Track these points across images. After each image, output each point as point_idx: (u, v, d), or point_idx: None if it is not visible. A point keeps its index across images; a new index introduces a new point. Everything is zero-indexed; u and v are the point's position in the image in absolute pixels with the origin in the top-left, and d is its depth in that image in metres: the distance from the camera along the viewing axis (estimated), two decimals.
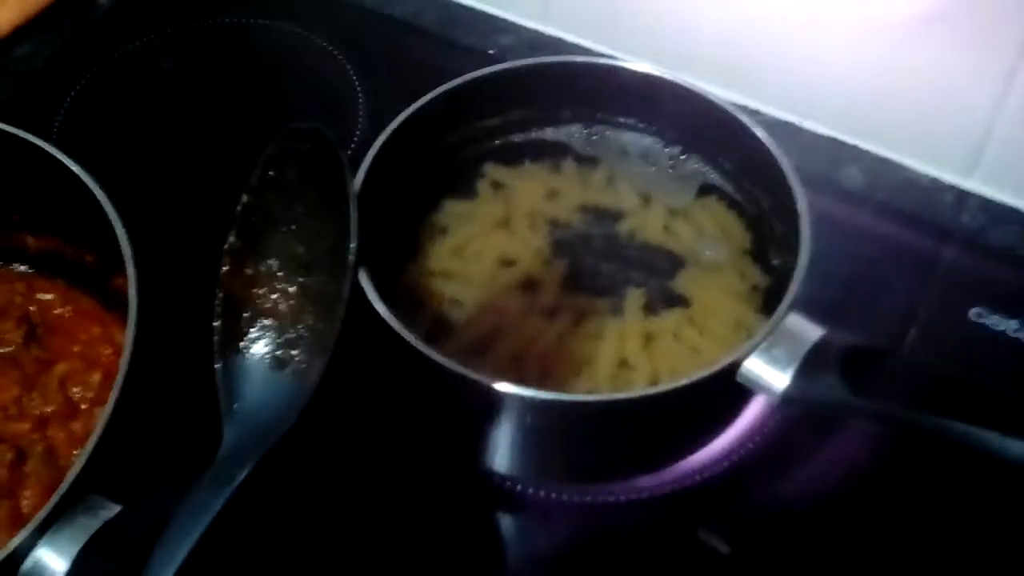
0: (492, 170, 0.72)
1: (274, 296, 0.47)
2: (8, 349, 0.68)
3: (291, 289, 0.47)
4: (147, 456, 0.51)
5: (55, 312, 0.70)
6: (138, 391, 0.51)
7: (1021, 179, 0.76)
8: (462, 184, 0.72)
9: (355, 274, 0.51)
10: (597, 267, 0.69)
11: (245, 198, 0.49)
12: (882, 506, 0.64)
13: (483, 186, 0.72)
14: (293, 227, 0.49)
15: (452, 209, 0.71)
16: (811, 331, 0.58)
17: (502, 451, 0.62)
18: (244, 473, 0.45)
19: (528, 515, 0.66)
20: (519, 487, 0.65)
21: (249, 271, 0.47)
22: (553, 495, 0.64)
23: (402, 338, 0.57)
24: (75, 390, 0.66)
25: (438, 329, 0.66)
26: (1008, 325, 0.71)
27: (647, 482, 0.64)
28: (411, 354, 0.57)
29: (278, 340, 0.47)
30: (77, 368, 0.67)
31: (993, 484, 0.62)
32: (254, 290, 0.48)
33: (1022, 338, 0.70)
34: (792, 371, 0.56)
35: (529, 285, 0.68)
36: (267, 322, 0.47)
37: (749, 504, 0.66)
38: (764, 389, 0.57)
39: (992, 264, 0.75)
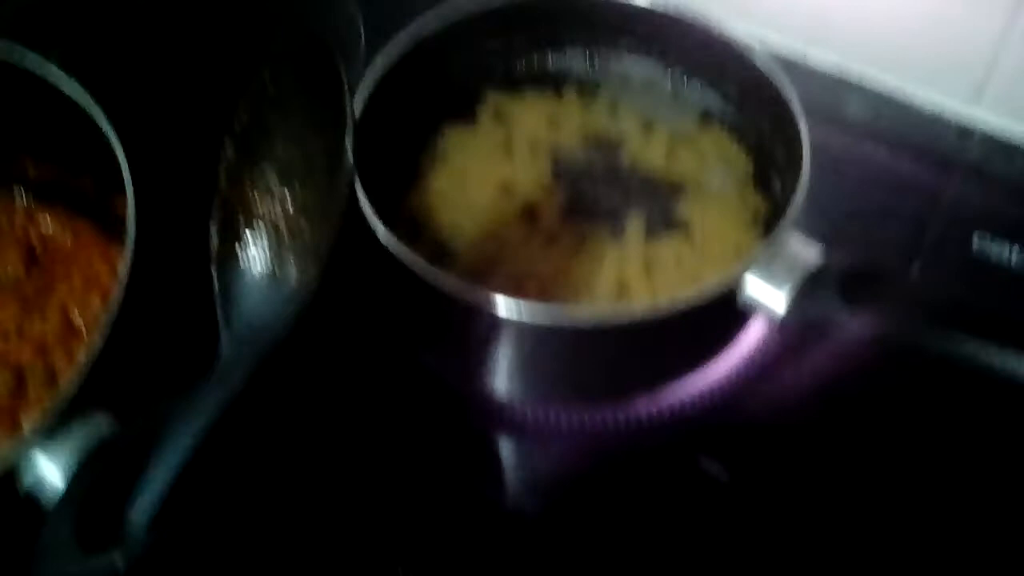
0: (493, 97, 0.72)
1: (271, 208, 0.47)
2: (9, 275, 0.68)
3: (288, 201, 0.47)
4: (145, 370, 0.51)
5: (56, 239, 0.70)
6: (137, 305, 0.51)
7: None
8: (463, 111, 0.71)
9: (351, 179, 0.50)
10: (598, 194, 0.69)
11: (241, 110, 0.48)
12: (882, 433, 0.64)
13: (484, 113, 0.71)
14: (290, 139, 0.48)
15: (453, 136, 0.71)
16: (811, 252, 0.57)
17: (501, 373, 0.62)
18: (240, 382, 0.45)
19: (526, 438, 0.66)
20: (517, 409, 0.64)
21: (246, 183, 0.47)
22: (551, 417, 0.64)
23: (402, 261, 0.57)
24: (76, 315, 0.65)
25: (438, 255, 0.66)
26: (1009, 254, 0.70)
27: (646, 404, 0.63)
28: (411, 277, 0.57)
29: (275, 251, 0.47)
30: (78, 293, 0.66)
31: (991, 404, 0.62)
32: (251, 202, 0.48)
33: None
34: (791, 291, 0.56)
35: (529, 212, 0.68)
36: (264, 234, 0.47)
37: (748, 430, 0.66)
38: (763, 309, 0.57)
39: (995, 193, 0.74)
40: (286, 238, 0.46)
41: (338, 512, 0.61)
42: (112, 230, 0.68)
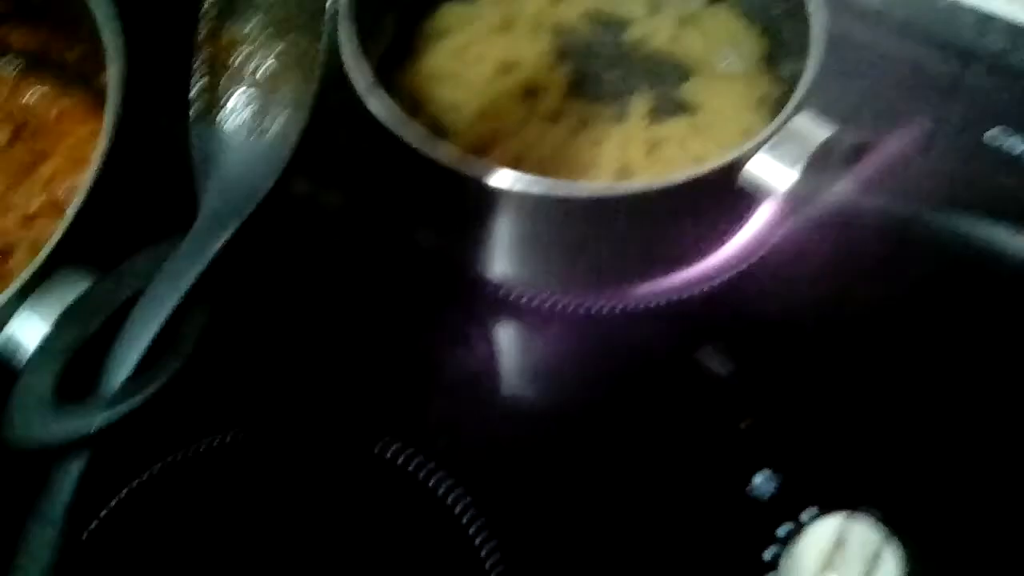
0: None
1: (253, 62, 0.45)
2: None
3: (271, 53, 0.45)
4: (127, 229, 0.49)
5: (42, 113, 0.68)
6: (121, 161, 0.49)
7: None
8: None
9: (334, 24, 0.48)
10: (602, 74, 0.67)
11: None
12: (890, 323, 0.63)
13: None
14: None
15: (452, 11, 0.68)
16: (819, 130, 0.55)
17: (497, 253, 0.61)
18: (222, 239, 0.43)
19: (522, 323, 0.64)
20: (515, 295, 0.63)
21: (227, 36, 0.45)
22: (549, 303, 0.63)
23: (397, 135, 0.55)
24: (62, 189, 0.64)
25: (435, 133, 0.63)
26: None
27: (646, 290, 0.62)
28: (406, 150, 0.55)
29: (257, 106, 0.45)
30: (64, 167, 0.65)
31: (1001, 294, 0.60)
32: (232, 56, 0.45)
33: None
34: (798, 169, 0.54)
35: (530, 91, 0.66)
36: (246, 88, 0.45)
37: (750, 323, 0.65)
38: (770, 189, 0.55)
39: (1012, 87, 0.72)
40: (268, 94, 0.44)
41: (323, 383, 0.60)
42: (100, 104, 0.66)
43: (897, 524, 0.53)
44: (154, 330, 0.42)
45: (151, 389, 0.41)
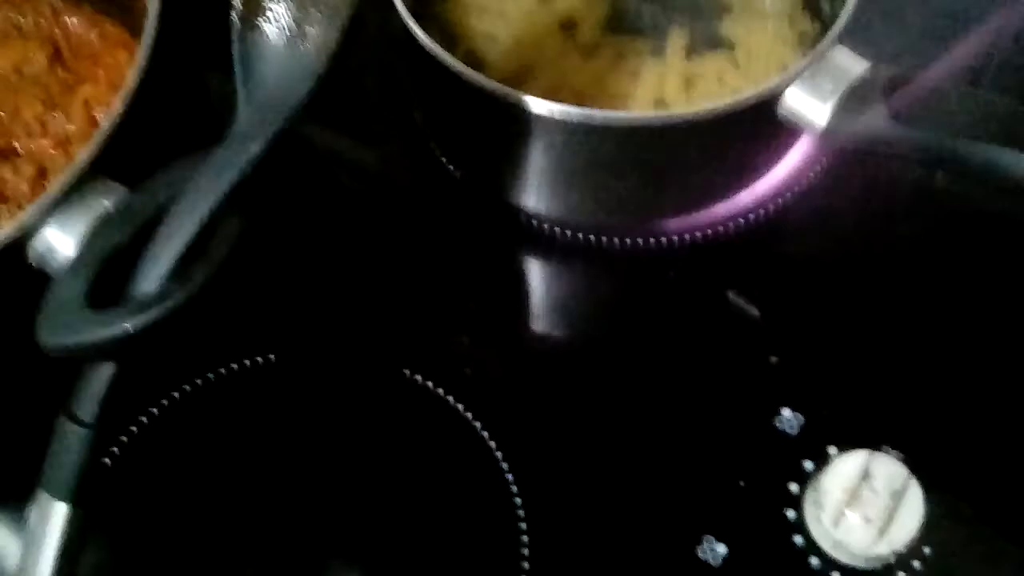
0: None
1: None
2: (32, 70, 0.66)
3: None
4: (159, 147, 0.49)
5: (81, 37, 0.68)
6: (158, 76, 0.50)
7: None
8: None
9: None
10: (641, 8, 0.66)
11: None
12: (921, 269, 0.62)
13: None
14: None
15: None
16: (856, 63, 0.55)
17: (532, 185, 0.61)
18: (259, 147, 0.43)
19: (555, 258, 0.65)
20: (547, 226, 0.63)
21: None
22: (582, 236, 0.63)
23: (436, 59, 0.55)
24: (98, 112, 0.64)
25: (471, 63, 0.63)
26: None
27: (679, 224, 0.62)
28: (445, 75, 0.55)
29: (295, 16, 0.45)
30: (101, 91, 0.65)
31: None
32: None
33: None
34: (834, 103, 0.54)
35: (567, 24, 0.65)
36: None
37: (782, 261, 0.65)
38: (805, 122, 0.55)
39: None
40: (307, 2, 0.44)
41: (353, 310, 0.61)
42: (138, 31, 0.66)
43: (920, 464, 0.53)
44: (188, 236, 0.42)
45: (183, 295, 0.41)
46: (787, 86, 0.54)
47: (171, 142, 0.50)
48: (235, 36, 0.43)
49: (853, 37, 0.57)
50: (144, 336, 0.41)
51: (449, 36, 0.64)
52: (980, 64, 0.65)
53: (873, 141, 0.54)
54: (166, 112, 0.53)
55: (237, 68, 0.44)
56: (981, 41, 0.66)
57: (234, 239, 0.44)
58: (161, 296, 0.41)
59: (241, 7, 0.44)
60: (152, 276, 0.42)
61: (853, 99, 0.54)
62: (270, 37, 0.44)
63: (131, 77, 0.51)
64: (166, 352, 0.47)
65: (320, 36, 0.43)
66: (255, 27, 0.44)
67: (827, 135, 0.54)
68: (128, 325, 0.41)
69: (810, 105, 0.54)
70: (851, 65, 0.55)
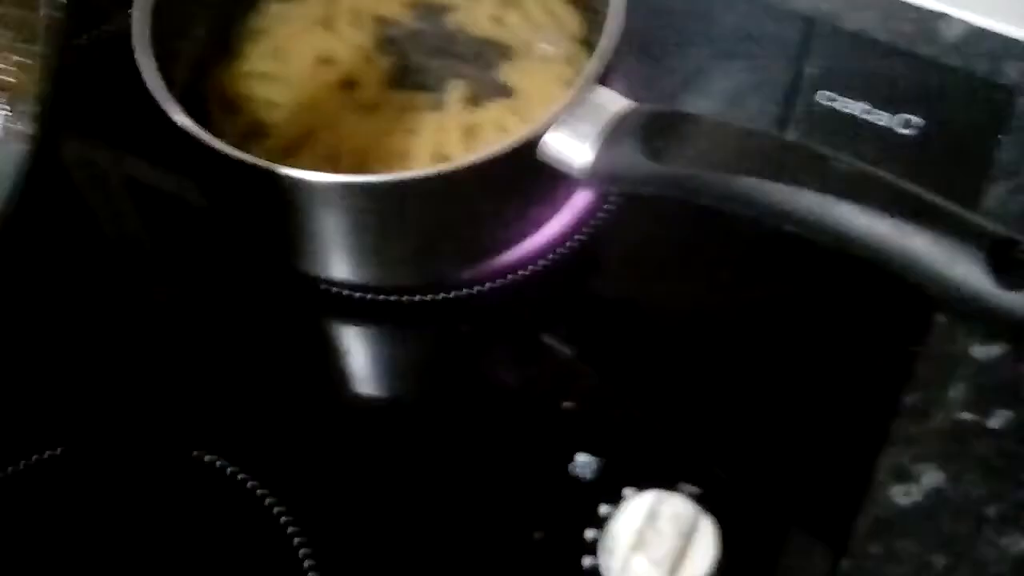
0: None
1: None
2: None
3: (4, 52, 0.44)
4: None
5: None
6: None
7: None
8: None
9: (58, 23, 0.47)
10: (424, 64, 0.66)
11: None
12: (712, 304, 0.62)
13: None
14: None
15: (271, 11, 0.68)
16: (616, 102, 0.55)
17: (317, 251, 0.60)
18: None
19: (353, 321, 0.64)
20: (340, 291, 0.62)
21: None
22: (380, 296, 0.62)
23: (204, 143, 0.55)
24: None
25: (254, 133, 0.63)
26: (859, 107, 0.68)
27: (469, 274, 0.61)
28: (213, 156, 0.55)
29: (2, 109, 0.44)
30: None
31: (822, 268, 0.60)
32: None
33: (872, 120, 0.67)
34: (592, 143, 0.54)
35: (349, 83, 0.65)
36: None
37: (589, 301, 0.64)
38: (564, 164, 0.55)
39: (845, 47, 0.72)
40: (12, 91, 0.43)
41: (142, 392, 0.60)
42: None
43: (714, 501, 0.52)
44: None
45: None
46: (545, 128, 0.54)
47: None
48: None
49: (616, 75, 0.57)
50: None
51: (232, 105, 0.64)
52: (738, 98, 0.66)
53: (635, 181, 0.54)
54: None
55: None
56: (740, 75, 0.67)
57: None
58: None
59: None
60: None
61: (612, 137, 0.54)
62: None
63: None
64: None
65: (26, 130, 0.42)
66: None
67: (589, 176, 0.54)
68: None
69: (569, 147, 0.54)
70: (610, 103, 0.55)
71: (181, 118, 0.56)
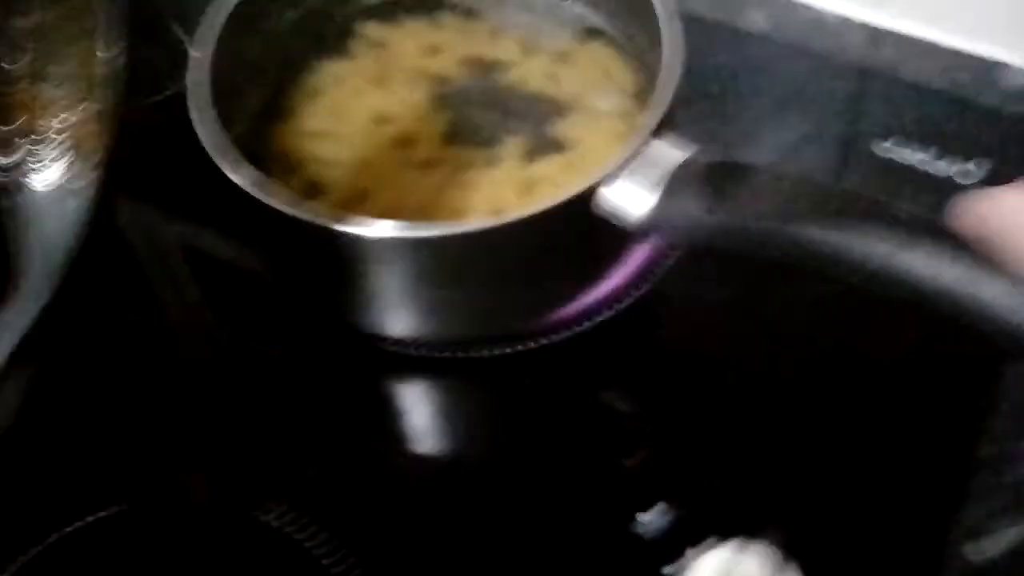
0: (367, 28, 0.69)
1: (55, 117, 0.45)
2: None
3: (71, 108, 0.44)
4: None
5: None
6: None
7: (935, 10, 0.71)
8: (336, 45, 0.69)
9: (119, 71, 0.47)
10: (479, 120, 0.66)
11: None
12: (788, 348, 0.61)
13: (358, 45, 0.69)
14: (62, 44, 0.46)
15: (326, 70, 0.68)
16: (672, 154, 0.54)
17: (371, 308, 0.60)
18: (44, 301, 0.42)
19: (415, 379, 0.63)
20: (399, 349, 0.62)
21: (26, 92, 0.45)
22: (440, 353, 0.62)
23: (259, 200, 0.55)
24: None
25: (312, 192, 0.63)
26: (917, 157, 0.67)
27: (529, 329, 0.61)
28: (272, 214, 0.55)
29: (63, 163, 0.44)
30: None
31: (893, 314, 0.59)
32: (34, 113, 0.45)
33: (931, 170, 0.67)
34: (649, 195, 0.53)
35: (405, 141, 0.65)
36: (50, 146, 0.45)
37: (652, 355, 0.64)
38: (621, 217, 0.54)
39: (903, 97, 0.71)
40: (73, 147, 0.44)
41: (198, 453, 0.60)
42: None
43: (799, 548, 0.51)
44: None
45: None
46: (607, 180, 0.54)
47: None
48: (4, 198, 0.43)
49: (671, 129, 0.57)
50: None
51: (288, 164, 0.64)
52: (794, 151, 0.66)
53: (693, 232, 0.54)
54: None
55: (11, 229, 0.43)
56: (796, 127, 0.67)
57: (24, 396, 0.43)
58: None
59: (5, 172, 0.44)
60: None
61: (669, 190, 0.53)
62: (39, 196, 0.43)
63: None
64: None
65: (85, 186, 0.42)
66: (22, 188, 0.43)
67: (647, 228, 0.54)
68: None
69: (625, 200, 0.54)
70: (671, 154, 0.54)
71: (239, 177, 0.56)
